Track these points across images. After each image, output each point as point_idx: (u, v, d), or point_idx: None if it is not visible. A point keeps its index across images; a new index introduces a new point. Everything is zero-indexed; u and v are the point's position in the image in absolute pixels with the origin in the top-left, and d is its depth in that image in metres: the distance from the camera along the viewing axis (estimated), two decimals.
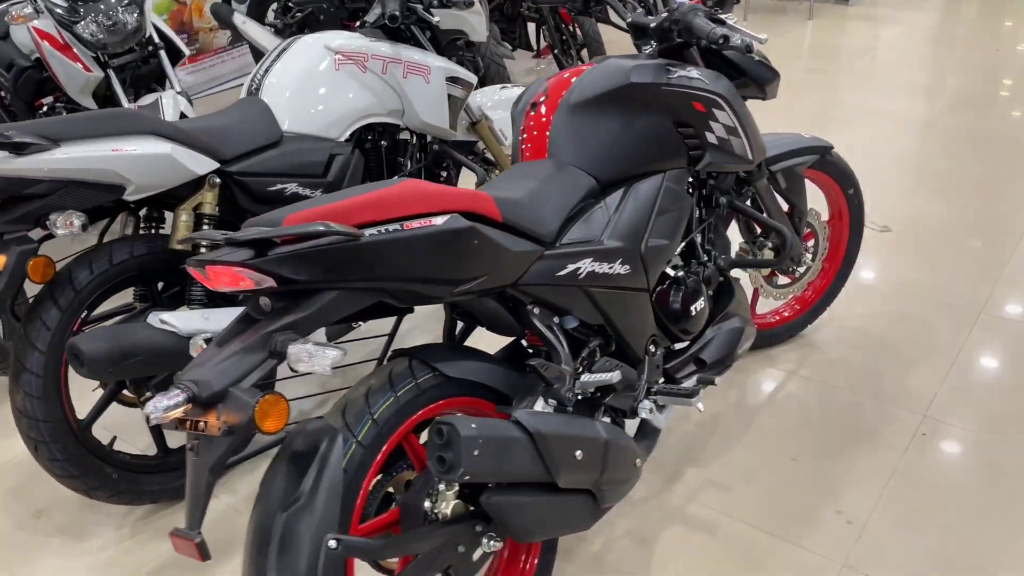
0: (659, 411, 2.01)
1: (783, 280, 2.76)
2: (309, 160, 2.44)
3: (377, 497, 1.67)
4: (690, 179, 2.29)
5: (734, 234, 2.58)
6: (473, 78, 2.86)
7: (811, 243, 2.75)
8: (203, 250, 2.11)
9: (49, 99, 3.61)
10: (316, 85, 2.52)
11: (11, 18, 3.22)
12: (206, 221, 2.26)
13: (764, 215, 2.46)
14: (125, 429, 2.56)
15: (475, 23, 2.91)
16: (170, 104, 3.16)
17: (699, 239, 2.29)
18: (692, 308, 2.13)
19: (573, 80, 2.00)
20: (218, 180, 2.26)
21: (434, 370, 1.64)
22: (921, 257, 3.41)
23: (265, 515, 1.45)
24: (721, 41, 1.93)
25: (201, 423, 1.34)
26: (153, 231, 2.36)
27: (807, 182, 2.73)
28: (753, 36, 1.99)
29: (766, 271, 2.69)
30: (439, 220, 1.51)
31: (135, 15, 3.26)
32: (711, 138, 2.06)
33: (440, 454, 1.45)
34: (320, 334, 1.41)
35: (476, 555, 1.64)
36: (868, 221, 3.68)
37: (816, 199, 2.86)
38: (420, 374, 1.63)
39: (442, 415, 1.73)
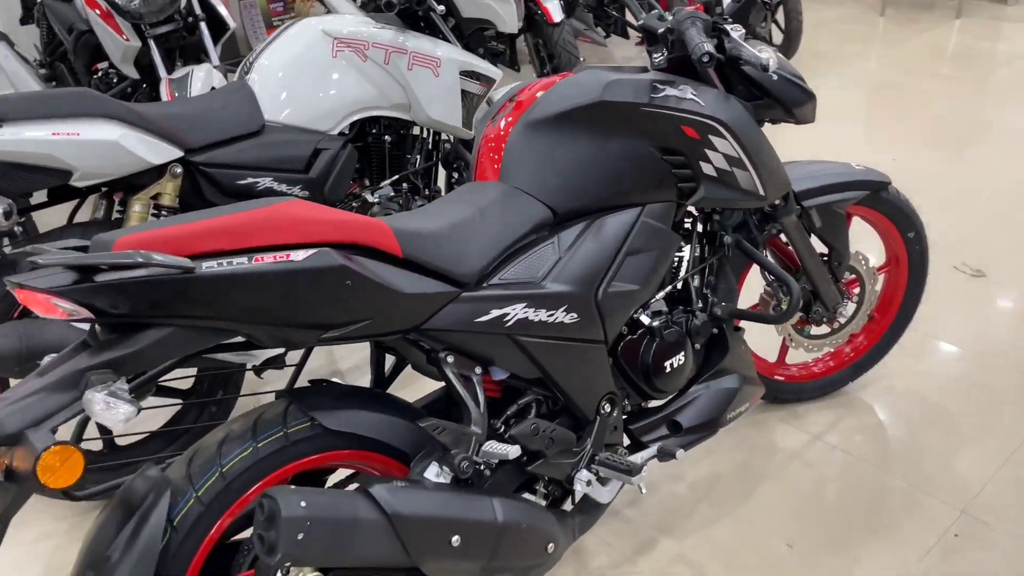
0: (601, 483, 1.73)
1: (819, 330, 2.39)
2: (289, 153, 2.28)
3: (250, 553, 1.49)
4: (693, 213, 1.98)
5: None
6: (497, 73, 2.62)
7: (856, 291, 2.37)
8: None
9: (104, 64, 3.60)
10: (308, 72, 2.34)
11: None
12: (165, 213, 2.13)
13: (774, 260, 2.12)
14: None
15: (502, 12, 2.65)
16: (201, 78, 3.07)
17: (695, 282, 1.98)
18: (668, 363, 1.83)
19: (540, 92, 1.73)
20: (180, 170, 2.12)
21: (311, 419, 1.44)
22: (1014, 313, 2.93)
23: (78, 572, 1.30)
24: (705, 59, 1.62)
25: None
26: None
27: (864, 223, 2.35)
28: (757, 54, 1.66)
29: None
30: (300, 255, 1.29)
31: None
32: (707, 169, 1.75)
33: (260, 532, 1.25)
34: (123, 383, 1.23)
35: None
36: (959, 262, 3.21)
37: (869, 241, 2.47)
38: (293, 422, 1.43)
39: (319, 469, 1.54)
